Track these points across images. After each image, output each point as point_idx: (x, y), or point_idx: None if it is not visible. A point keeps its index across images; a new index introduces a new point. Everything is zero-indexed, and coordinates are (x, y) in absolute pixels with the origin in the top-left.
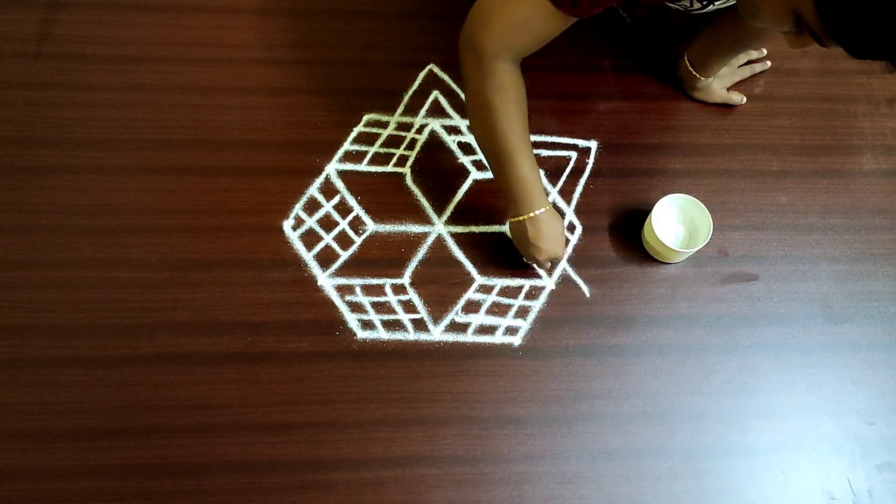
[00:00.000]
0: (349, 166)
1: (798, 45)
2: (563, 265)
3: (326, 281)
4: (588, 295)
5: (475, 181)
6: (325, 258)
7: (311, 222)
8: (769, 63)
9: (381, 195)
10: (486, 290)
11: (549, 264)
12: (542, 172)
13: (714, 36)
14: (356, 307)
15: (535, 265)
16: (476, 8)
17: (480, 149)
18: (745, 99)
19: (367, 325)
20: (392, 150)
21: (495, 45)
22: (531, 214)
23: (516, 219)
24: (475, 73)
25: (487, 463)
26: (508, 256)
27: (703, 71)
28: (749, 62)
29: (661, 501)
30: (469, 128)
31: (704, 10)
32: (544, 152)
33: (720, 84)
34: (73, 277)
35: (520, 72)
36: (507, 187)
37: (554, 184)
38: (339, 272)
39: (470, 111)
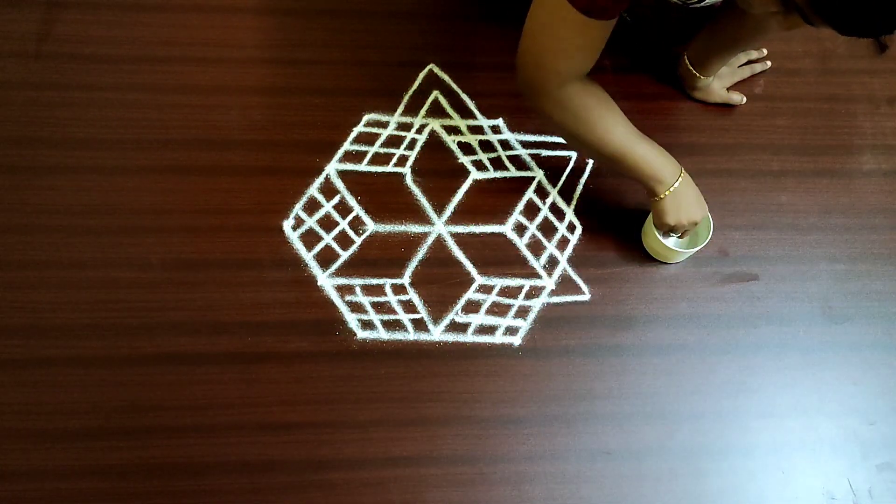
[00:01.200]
0: (349, 166)
1: (787, 26)
2: (564, 265)
3: (326, 281)
4: (588, 295)
5: (475, 181)
6: (325, 258)
7: (311, 222)
8: (769, 63)
9: (381, 195)
10: (486, 290)
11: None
12: (543, 172)
13: (714, 34)
14: (356, 307)
15: (672, 233)
16: (523, 52)
17: (592, 158)
18: (745, 99)
19: (367, 325)
20: (392, 150)
21: (557, 80)
22: (670, 190)
23: (659, 198)
24: (548, 107)
25: (487, 463)
26: (516, 248)
27: (703, 70)
28: (749, 62)
29: (661, 501)
30: (572, 147)
31: (703, 4)
32: (544, 152)
33: (720, 84)
34: (73, 277)
35: (587, 78)
36: (638, 177)
37: (554, 184)
38: (339, 272)
39: (569, 141)
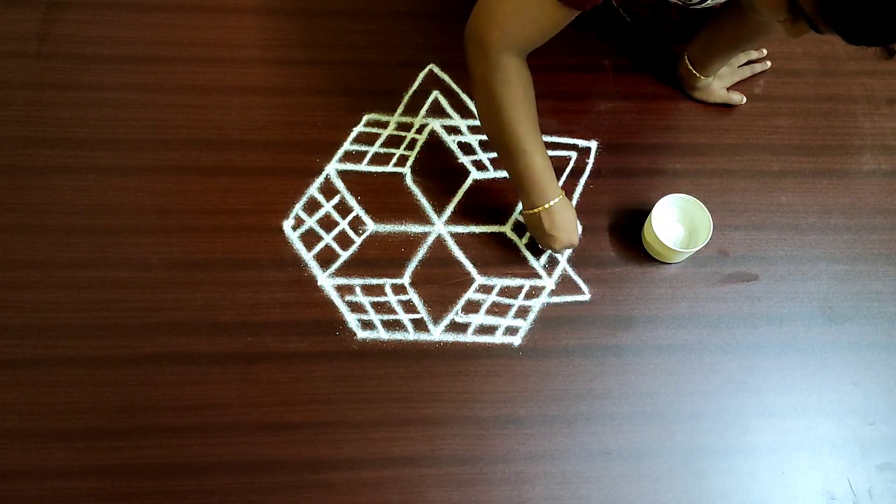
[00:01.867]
0: (349, 166)
1: (795, 33)
2: (563, 265)
3: (326, 281)
4: (588, 295)
5: (475, 181)
6: (325, 258)
7: (311, 222)
8: (769, 63)
9: (381, 195)
10: (486, 290)
11: (566, 251)
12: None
13: (714, 34)
14: (356, 307)
15: (551, 252)
16: (481, 2)
17: (491, 143)
18: (745, 99)
19: (367, 325)
20: (392, 150)
21: (500, 39)
22: (546, 206)
23: (530, 211)
24: (480, 66)
25: (487, 463)
26: (516, 248)
27: (704, 70)
28: (749, 62)
29: (661, 501)
30: (480, 124)
31: (704, 5)
32: None
33: (720, 84)
34: (73, 277)
35: (526, 65)
36: (519, 180)
37: None
38: (339, 272)
39: (477, 105)
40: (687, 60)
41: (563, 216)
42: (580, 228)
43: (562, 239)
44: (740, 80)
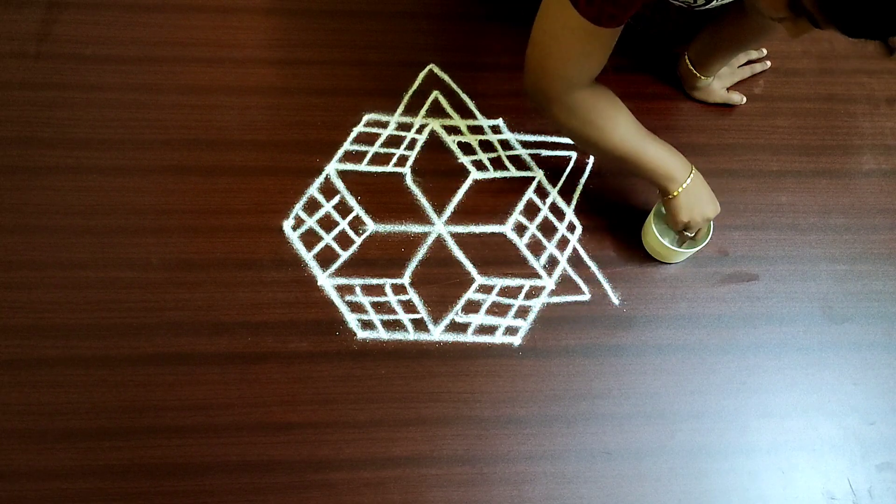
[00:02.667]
0: (349, 166)
1: (796, 32)
2: (563, 265)
3: (326, 281)
4: (588, 295)
5: (475, 181)
6: (325, 258)
7: (311, 222)
8: (769, 63)
9: (381, 195)
10: (486, 290)
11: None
12: (543, 172)
13: (715, 34)
14: (356, 307)
15: (687, 232)
16: (531, 59)
17: (611, 165)
18: (745, 99)
19: (367, 325)
20: (392, 150)
21: (565, 86)
22: (682, 187)
23: (672, 195)
24: (557, 113)
25: (487, 463)
26: (516, 248)
27: (704, 70)
28: (749, 62)
29: (661, 501)
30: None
31: (708, 7)
32: (544, 152)
33: (720, 84)
34: (73, 277)
35: (595, 85)
36: (650, 177)
37: (554, 184)
38: (339, 272)
39: (580, 145)
40: (687, 60)
41: (701, 190)
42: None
43: (712, 207)
44: (740, 80)
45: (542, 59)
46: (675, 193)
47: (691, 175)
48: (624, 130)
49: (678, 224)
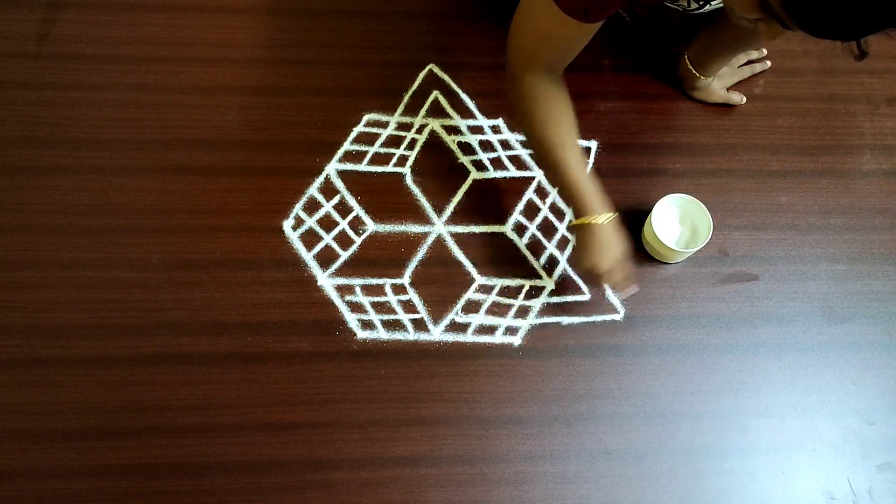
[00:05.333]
0: (349, 166)
1: (770, 34)
2: (563, 265)
3: (326, 281)
4: (588, 295)
5: (475, 181)
6: (325, 258)
7: (311, 222)
8: (769, 63)
9: (381, 195)
10: (486, 290)
11: (610, 283)
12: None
13: (714, 34)
14: (356, 307)
15: (595, 286)
16: (510, 33)
17: (543, 171)
18: (745, 99)
19: (367, 325)
20: (392, 150)
21: (522, 61)
22: (591, 221)
23: (579, 223)
24: (511, 89)
25: (487, 463)
26: (516, 248)
27: (703, 70)
28: (749, 62)
29: (661, 501)
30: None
31: (702, 11)
32: None
33: (720, 84)
34: (73, 277)
35: (556, 83)
36: (568, 196)
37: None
38: (339, 272)
39: (525, 136)
40: (687, 60)
41: (604, 239)
42: (629, 261)
43: (600, 261)
44: (740, 80)
45: (513, 33)
46: (581, 222)
47: (606, 219)
48: (557, 136)
49: (579, 265)
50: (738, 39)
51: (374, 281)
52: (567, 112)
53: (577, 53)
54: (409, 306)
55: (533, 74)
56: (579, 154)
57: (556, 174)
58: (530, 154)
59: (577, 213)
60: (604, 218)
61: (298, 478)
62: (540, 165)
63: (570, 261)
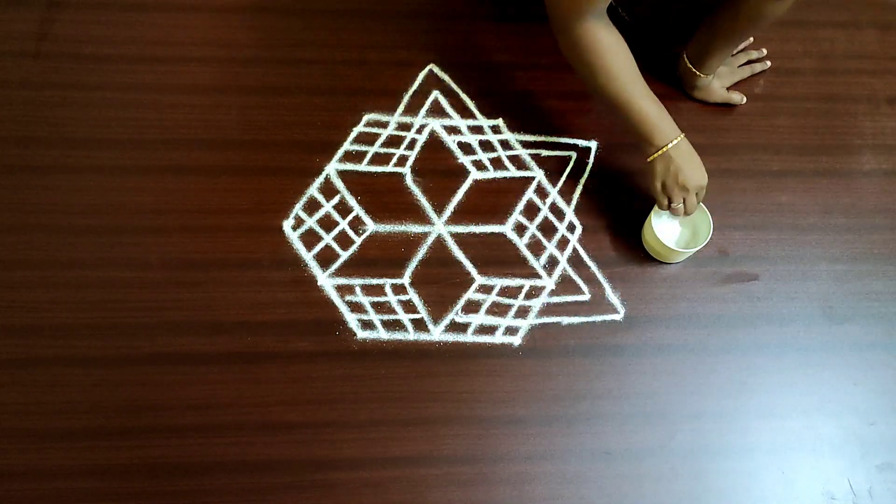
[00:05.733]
0: (349, 166)
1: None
2: (563, 265)
3: (326, 281)
4: (588, 295)
5: (475, 181)
6: (325, 258)
7: (311, 222)
8: (769, 63)
9: (381, 195)
10: (486, 290)
11: (684, 204)
12: (543, 172)
13: (711, 29)
14: (356, 307)
15: (671, 209)
16: None
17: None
18: (745, 99)
19: (367, 325)
20: (392, 150)
21: (566, 10)
22: (661, 152)
23: (648, 159)
24: (566, 47)
25: (487, 463)
26: (516, 248)
27: (703, 68)
28: (749, 62)
29: (660, 501)
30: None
31: None
32: (544, 152)
33: (720, 83)
34: (73, 277)
35: (606, 24)
36: (633, 132)
37: (554, 184)
38: (339, 272)
39: (583, 81)
40: (686, 59)
41: (679, 160)
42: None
43: (692, 176)
44: (740, 80)
45: None
46: (651, 157)
47: (675, 141)
48: (617, 77)
49: (654, 190)
50: (735, 32)
51: (374, 281)
52: (625, 52)
53: None
54: (409, 306)
55: (580, 22)
56: (643, 87)
57: (623, 116)
58: (598, 100)
59: (645, 150)
60: (680, 137)
61: (298, 478)
62: (610, 109)
63: (651, 191)
